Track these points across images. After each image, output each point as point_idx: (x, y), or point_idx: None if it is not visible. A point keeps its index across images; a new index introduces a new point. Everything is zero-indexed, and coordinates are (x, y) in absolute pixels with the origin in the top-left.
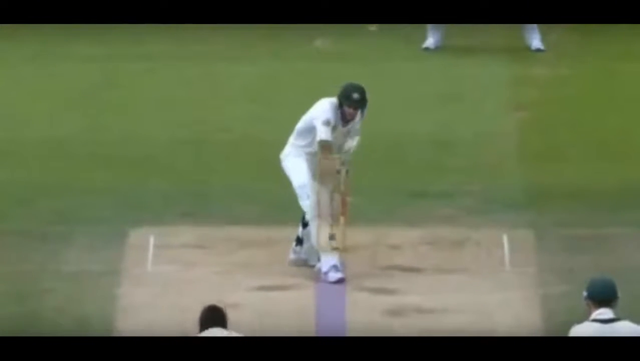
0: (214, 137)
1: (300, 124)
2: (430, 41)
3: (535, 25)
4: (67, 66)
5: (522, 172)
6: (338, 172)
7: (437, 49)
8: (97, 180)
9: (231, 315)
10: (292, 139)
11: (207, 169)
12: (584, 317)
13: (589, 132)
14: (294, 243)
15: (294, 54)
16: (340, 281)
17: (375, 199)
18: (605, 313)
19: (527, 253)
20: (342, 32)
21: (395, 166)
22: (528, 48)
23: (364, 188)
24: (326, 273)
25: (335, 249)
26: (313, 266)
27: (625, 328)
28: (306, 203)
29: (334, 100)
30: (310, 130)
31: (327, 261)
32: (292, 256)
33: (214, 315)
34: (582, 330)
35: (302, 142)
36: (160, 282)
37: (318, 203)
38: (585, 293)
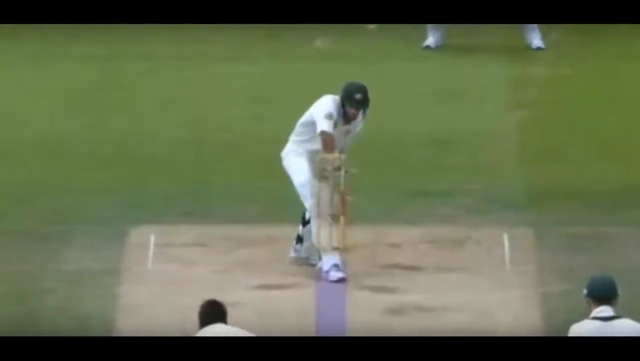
0: (214, 136)
1: (302, 119)
2: (430, 40)
3: (535, 25)
4: (67, 66)
5: (522, 172)
6: (338, 168)
7: (438, 48)
8: (97, 180)
9: (231, 314)
10: (293, 136)
11: (207, 169)
12: (584, 316)
13: (589, 132)
14: (294, 242)
15: (294, 54)
16: (341, 280)
17: (375, 198)
18: (605, 310)
19: (527, 252)
20: (342, 32)
21: (395, 165)
22: (528, 47)
23: (364, 187)
24: (327, 272)
25: (335, 249)
26: (314, 265)
27: (625, 326)
28: (308, 202)
29: (336, 97)
30: (312, 125)
31: (329, 260)
32: (292, 254)
33: (214, 310)
34: (583, 327)
35: (304, 138)
36: (161, 281)
37: (318, 202)
38: (585, 291)
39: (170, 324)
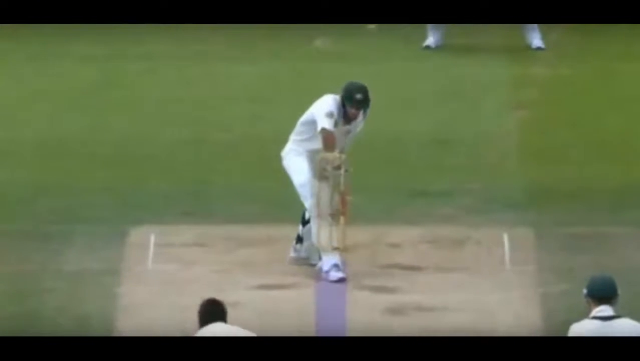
0: (214, 136)
1: (303, 118)
2: (430, 40)
3: (535, 25)
4: (67, 66)
5: (522, 172)
6: (338, 167)
7: (437, 48)
8: (97, 180)
9: (231, 314)
10: (293, 135)
11: (207, 169)
12: (584, 315)
13: (589, 132)
14: (294, 242)
15: (294, 54)
16: (341, 280)
17: (375, 198)
18: (605, 310)
19: (527, 252)
20: (342, 32)
21: (395, 165)
22: (528, 47)
23: (364, 186)
24: (327, 272)
25: (335, 249)
26: (314, 265)
27: (625, 326)
28: (307, 202)
29: (337, 97)
30: (312, 124)
31: (329, 260)
32: (292, 254)
33: (213, 309)
34: (582, 327)
35: (304, 137)
36: (161, 281)
37: (318, 202)
38: (585, 291)
39: (170, 324)
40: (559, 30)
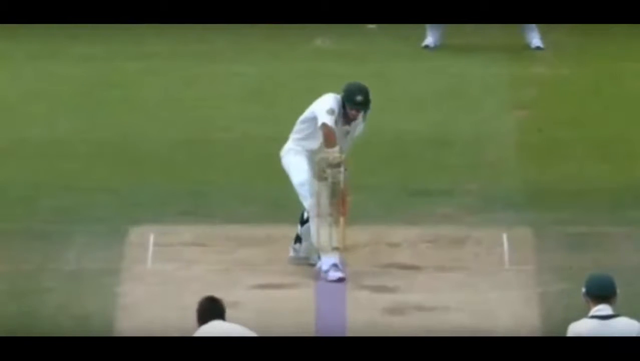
0: (213, 136)
1: (303, 116)
2: (429, 40)
3: (534, 25)
4: (67, 66)
5: (522, 171)
6: (338, 165)
7: (437, 48)
8: (97, 179)
9: (231, 314)
10: (293, 134)
11: (207, 168)
12: (583, 315)
13: (589, 132)
14: (292, 241)
15: (294, 54)
16: (340, 280)
17: (375, 197)
18: (604, 309)
19: (526, 252)
20: (342, 31)
21: (395, 164)
22: (528, 47)
23: (364, 186)
24: (327, 272)
25: (335, 249)
26: (313, 265)
27: (623, 325)
28: (306, 202)
29: (338, 96)
30: (313, 121)
31: (328, 260)
32: (291, 254)
33: (212, 307)
34: (581, 326)
35: (304, 134)
36: (160, 280)
37: (318, 202)
38: (584, 290)
39: (170, 323)
40: (559, 30)
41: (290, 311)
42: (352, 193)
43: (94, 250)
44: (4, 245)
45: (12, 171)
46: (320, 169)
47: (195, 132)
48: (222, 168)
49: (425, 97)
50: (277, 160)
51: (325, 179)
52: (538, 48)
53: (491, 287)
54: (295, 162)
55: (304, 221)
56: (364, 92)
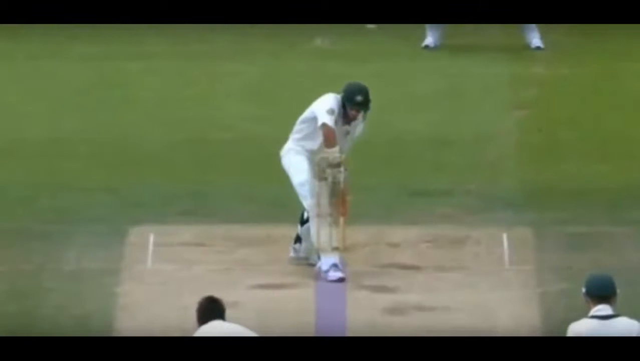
0: (213, 136)
1: (303, 116)
2: (429, 40)
3: (534, 24)
4: (67, 66)
5: (522, 171)
6: (338, 165)
7: (437, 47)
8: (97, 179)
9: (231, 314)
10: (292, 134)
11: (207, 168)
12: (583, 315)
13: (589, 132)
14: (292, 241)
15: (294, 53)
16: (340, 280)
17: (375, 197)
18: (604, 309)
19: (526, 251)
20: (342, 31)
21: (395, 164)
22: (528, 47)
23: (364, 186)
24: (326, 272)
25: (335, 249)
26: (313, 265)
27: (623, 325)
28: (306, 202)
29: (338, 96)
30: (312, 121)
31: (328, 260)
32: (291, 254)
33: (212, 306)
34: (581, 326)
35: (303, 134)
36: (160, 280)
37: (318, 202)
38: (584, 290)
39: (170, 324)
40: (559, 30)
41: (290, 311)
42: (352, 193)
43: (94, 250)
44: (4, 245)
45: (12, 171)
46: (320, 169)
47: (195, 132)
48: (222, 168)
49: (425, 97)
50: (277, 160)
51: (325, 179)
52: (538, 48)
53: (491, 287)
54: (295, 162)
55: (304, 221)
56: (364, 92)
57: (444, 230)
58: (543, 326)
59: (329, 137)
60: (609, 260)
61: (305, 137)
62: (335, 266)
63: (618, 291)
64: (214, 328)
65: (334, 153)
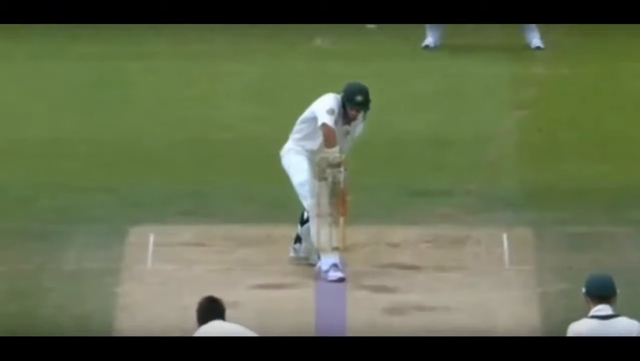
0: (213, 136)
1: (302, 116)
2: (429, 40)
3: (534, 24)
4: (67, 66)
5: (522, 171)
6: (338, 165)
7: (437, 47)
8: (97, 179)
9: (231, 314)
10: (292, 134)
11: (207, 168)
12: (583, 315)
13: (589, 132)
14: (292, 241)
15: (294, 53)
16: (340, 280)
17: (375, 197)
18: (604, 309)
19: (526, 251)
20: (342, 31)
21: (395, 164)
22: (528, 47)
23: (364, 186)
24: (326, 272)
25: (335, 249)
26: (313, 265)
27: (623, 325)
28: (306, 202)
29: (338, 96)
30: (312, 121)
31: (328, 260)
32: (291, 254)
33: (212, 306)
34: (581, 326)
35: (303, 134)
36: (160, 280)
37: (318, 202)
38: (584, 290)
39: (170, 324)
40: (559, 30)
41: (290, 311)
42: (352, 193)
43: (94, 250)
44: (4, 245)
45: (12, 171)
46: (320, 169)
47: (195, 132)
48: (222, 168)
49: (425, 97)
50: (277, 160)
51: (325, 179)
52: (538, 48)
53: (491, 287)
54: (295, 162)
55: (304, 221)
56: (364, 92)
57: (444, 230)
58: (543, 326)
59: (329, 137)
60: (609, 260)
61: (305, 137)
62: (335, 266)
63: (618, 291)
64: (214, 328)
65: (334, 153)
